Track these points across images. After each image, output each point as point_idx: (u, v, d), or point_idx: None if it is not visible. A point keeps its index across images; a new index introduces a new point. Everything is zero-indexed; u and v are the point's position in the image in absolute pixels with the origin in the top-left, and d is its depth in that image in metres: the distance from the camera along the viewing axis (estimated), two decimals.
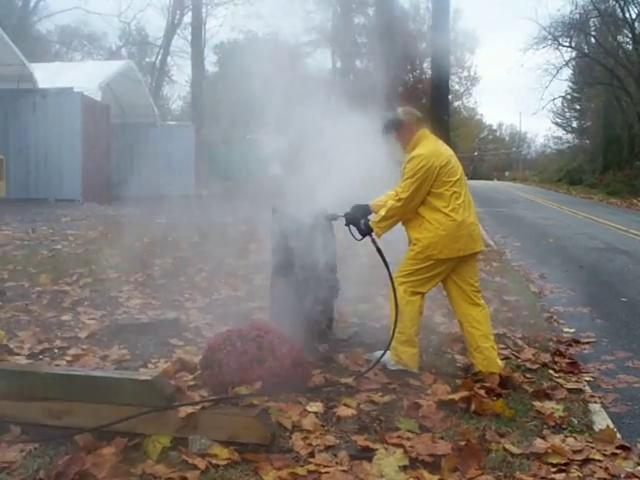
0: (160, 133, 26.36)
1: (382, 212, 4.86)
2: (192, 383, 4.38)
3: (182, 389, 4.17)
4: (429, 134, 4.95)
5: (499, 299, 7.64)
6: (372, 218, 4.96)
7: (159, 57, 48.68)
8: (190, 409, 3.81)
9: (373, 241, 4.98)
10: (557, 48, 44.50)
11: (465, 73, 75.32)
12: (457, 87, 76.16)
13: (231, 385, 4.15)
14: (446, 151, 4.90)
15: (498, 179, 77.87)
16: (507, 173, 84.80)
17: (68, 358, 4.94)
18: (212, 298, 6.93)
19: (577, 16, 41.84)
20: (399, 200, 4.76)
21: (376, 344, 5.29)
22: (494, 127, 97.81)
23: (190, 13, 40.62)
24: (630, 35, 42.13)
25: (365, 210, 5.05)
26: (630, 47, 42.51)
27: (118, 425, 3.78)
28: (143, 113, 26.70)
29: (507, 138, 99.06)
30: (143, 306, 6.51)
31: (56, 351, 5.15)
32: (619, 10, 41.42)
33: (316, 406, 4.16)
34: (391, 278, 4.86)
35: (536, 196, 35.63)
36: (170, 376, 4.46)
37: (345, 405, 4.22)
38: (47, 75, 21.71)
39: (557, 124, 61.68)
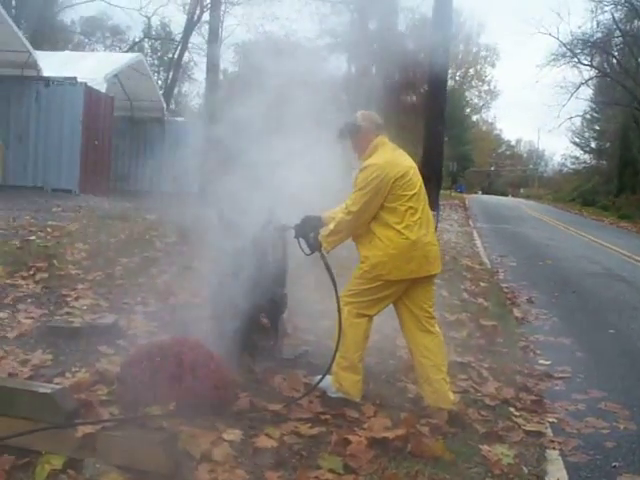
0: (167, 129, 26.04)
1: (331, 226, 4.46)
2: (105, 398, 3.97)
3: (92, 404, 3.80)
4: (387, 142, 4.52)
5: (475, 323, 7.19)
6: (321, 232, 4.56)
7: (177, 53, 48.44)
8: (89, 429, 3.44)
9: (322, 256, 4.57)
10: (575, 65, 43.99)
11: (485, 87, 75.10)
12: (476, 100, 76.00)
13: (144, 404, 3.76)
14: (404, 162, 4.46)
15: (513, 195, 77.56)
16: (522, 190, 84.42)
17: None
18: (166, 303, 6.52)
19: (599, 34, 41.27)
20: (349, 213, 4.34)
21: (325, 366, 4.86)
22: (512, 143, 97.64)
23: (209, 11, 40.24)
24: None
25: (316, 222, 4.65)
26: None
27: (12, 440, 3.43)
28: (151, 107, 26.40)
29: (525, 155, 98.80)
30: (89, 307, 6.12)
31: None
32: None
33: (234, 434, 3.73)
34: (337, 297, 4.45)
35: (546, 215, 35.10)
36: (84, 388, 4.09)
37: (267, 435, 3.80)
38: (54, 64, 21.44)
39: (575, 144, 61.19)
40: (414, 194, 4.37)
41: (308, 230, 4.62)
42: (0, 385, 3.67)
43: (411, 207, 4.34)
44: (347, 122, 4.59)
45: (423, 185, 4.53)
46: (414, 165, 4.55)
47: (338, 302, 4.43)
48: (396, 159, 4.43)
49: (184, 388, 3.82)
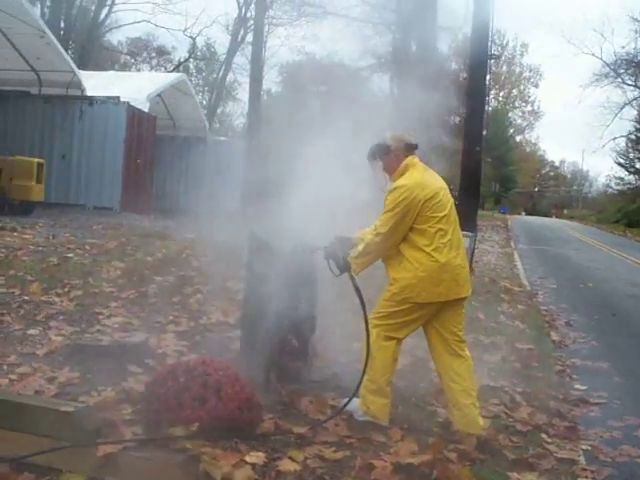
0: (209, 148, 26.29)
1: (360, 247, 4.41)
2: (129, 417, 3.97)
3: (115, 423, 3.79)
4: (417, 162, 4.46)
5: (510, 346, 7.04)
6: (351, 253, 4.51)
7: (220, 73, 49.04)
8: (110, 448, 3.43)
9: (351, 278, 4.52)
10: (619, 85, 43.50)
11: (529, 107, 74.63)
12: (520, 121, 75.54)
13: (167, 424, 3.74)
14: (434, 183, 4.40)
15: (556, 216, 76.54)
16: (565, 211, 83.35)
17: (13, 377, 4.59)
18: (198, 322, 6.53)
19: None
20: (377, 235, 4.30)
21: (354, 389, 4.79)
22: (556, 163, 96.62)
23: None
24: None
25: (347, 243, 4.59)
26: None
27: (33, 458, 3.43)
28: (194, 127, 26.74)
29: (569, 175, 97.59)
30: (121, 325, 6.15)
31: (5, 368, 4.80)
32: None
33: (257, 456, 3.67)
34: (366, 320, 4.39)
35: (589, 236, 34.50)
36: (109, 407, 4.09)
37: (290, 458, 3.74)
38: (99, 84, 21.88)
39: (620, 164, 60.12)
40: (444, 216, 4.31)
41: (338, 251, 4.58)
42: (23, 402, 3.67)
43: (441, 229, 4.27)
44: (377, 142, 4.56)
45: (454, 206, 4.47)
46: (445, 186, 4.49)
47: (367, 324, 4.38)
48: (426, 180, 4.37)
49: (208, 409, 3.80)
